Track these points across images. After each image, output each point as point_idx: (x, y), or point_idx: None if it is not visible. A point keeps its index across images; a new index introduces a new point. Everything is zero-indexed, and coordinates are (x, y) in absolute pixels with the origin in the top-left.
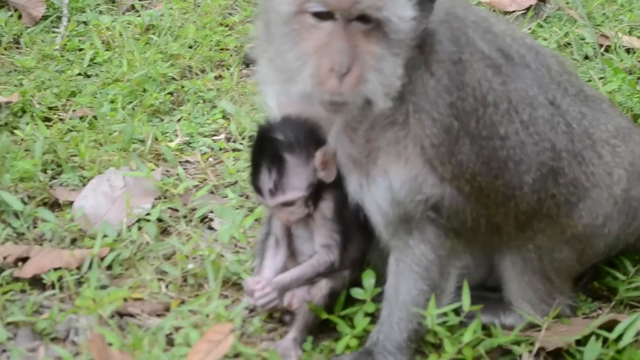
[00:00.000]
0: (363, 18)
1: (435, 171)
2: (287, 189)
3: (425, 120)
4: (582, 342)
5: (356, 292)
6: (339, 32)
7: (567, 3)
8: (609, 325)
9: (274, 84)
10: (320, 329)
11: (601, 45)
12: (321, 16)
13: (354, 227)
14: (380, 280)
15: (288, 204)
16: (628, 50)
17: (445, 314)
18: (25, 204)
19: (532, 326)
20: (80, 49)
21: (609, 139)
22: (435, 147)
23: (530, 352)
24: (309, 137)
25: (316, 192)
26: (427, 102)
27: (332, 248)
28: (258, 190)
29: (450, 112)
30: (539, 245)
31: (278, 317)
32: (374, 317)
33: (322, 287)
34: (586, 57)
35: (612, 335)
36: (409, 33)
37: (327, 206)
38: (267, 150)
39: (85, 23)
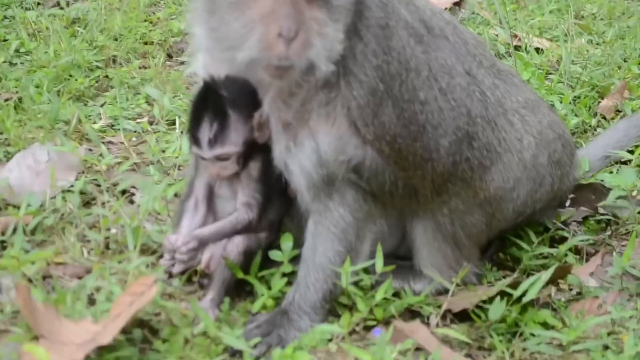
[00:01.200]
0: None
1: (359, 133)
2: (225, 142)
3: (353, 82)
4: (487, 303)
5: (274, 254)
6: None
7: (482, 5)
8: (513, 287)
9: (213, 52)
10: (237, 292)
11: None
12: None
13: (275, 191)
14: (297, 244)
15: (223, 158)
16: (537, 50)
17: (358, 274)
18: None
19: (440, 293)
20: (5, 40)
21: (519, 109)
22: (361, 109)
23: (437, 315)
24: (251, 97)
25: (248, 151)
26: (355, 65)
27: (252, 207)
28: (196, 141)
29: (376, 75)
30: (453, 209)
31: (196, 280)
32: (290, 280)
33: (238, 243)
34: (498, 55)
35: (517, 293)
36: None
37: (254, 167)
38: (211, 103)
39: (10, 18)
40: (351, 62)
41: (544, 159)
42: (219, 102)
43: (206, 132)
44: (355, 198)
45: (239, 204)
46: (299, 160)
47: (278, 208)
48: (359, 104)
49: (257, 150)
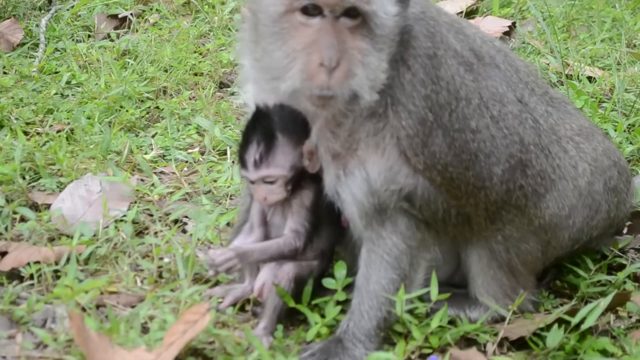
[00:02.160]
0: (350, 13)
1: (409, 162)
2: (271, 164)
3: (402, 112)
4: (544, 331)
5: (328, 282)
6: (328, 29)
7: (532, 35)
8: (571, 314)
9: (259, 83)
10: (290, 320)
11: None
12: (310, 12)
13: (326, 220)
14: (350, 272)
15: (269, 181)
16: (589, 79)
17: (413, 302)
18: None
19: (496, 321)
20: (57, 72)
21: (573, 136)
22: (410, 138)
23: (494, 342)
24: (301, 124)
25: (297, 179)
26: (403, 94)
27: (300, 235)
28: (243, 162)
29: (425, 104)
30: (508, 236)
31: (249, 309)
32: (343, 308)
33: (288, 271)
34: (550, 84)
35: (575, 320)
36: (393, 29)
37: (307, 195)
38: (260, 125)
39: (62, 50)
40: (399, 91)
41: (600, 186)
42: (268, 126)
43: (252, 152)
44: (408, 226)
45: (287, 229)
46: (350, 189)
47: (329, 237)
48: (408, 133)
49: (307, 179)
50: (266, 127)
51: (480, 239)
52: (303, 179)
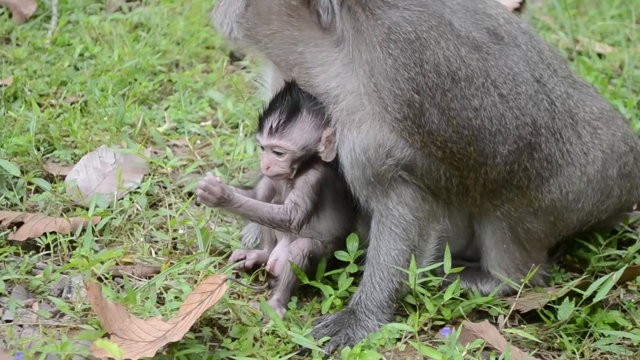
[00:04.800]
0: None
1: (407, 140)
2: (285, 136)
3: (387, 97)
4: (555, 304)
5: (340, 255)
6: None
7: (542, 10)
8: (582, 288)
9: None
10: (304, 293)
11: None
12: None
13: (339, 207)
14: (362, 245)
15: (277, 151)
16: (599, 55)
17: (425, 275)
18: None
19: (508, 294)
20: (70, 44)
21: (591, 121)
22: (400, 122)
23: (505, 315)
24: (325, 113)
25: (306, 163)
26: (387, 80)
27: (297, 208)
28: (261, 126)
29: (410, 87)
30: (507, 214)
31: (263, 280)
32: (356, 280)
33: (303, 247)
34: None
35: (586, 293)
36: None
37: (313, 174)
38: (290, 97)
39: (74, 23)
40: (382, 78)
41: (614, 171)
42: (297, 100)
43: (272, 119)
44: (413, 197)
45: (287, 199)
46: (346, 157)
47: (344, 224)
48: (396, 117)
49: (319, 163)
50: (295, 100)
51: (483, 213)
52: (315, 162)
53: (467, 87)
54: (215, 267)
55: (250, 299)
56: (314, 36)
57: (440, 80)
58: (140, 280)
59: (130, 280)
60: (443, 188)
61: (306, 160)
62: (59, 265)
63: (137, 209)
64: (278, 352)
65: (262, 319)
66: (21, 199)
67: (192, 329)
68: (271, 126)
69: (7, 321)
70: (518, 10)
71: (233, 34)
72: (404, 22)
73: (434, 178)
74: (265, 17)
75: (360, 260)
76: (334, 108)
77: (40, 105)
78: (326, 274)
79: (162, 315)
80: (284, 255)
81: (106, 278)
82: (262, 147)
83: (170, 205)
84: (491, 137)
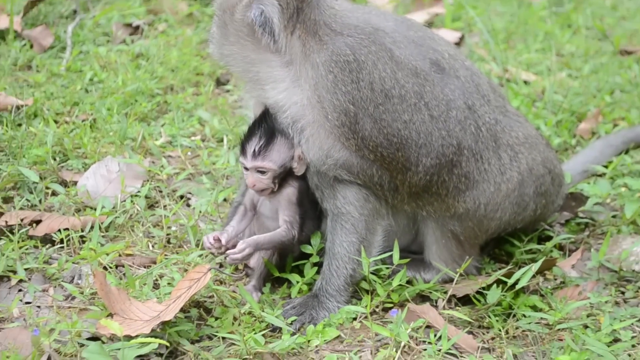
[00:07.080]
0: None
1: (344, 144)
2: (266, 158)
3: (328, 107)
4: (485, 290)
5: (305, 248)
6: None
7: (478, 45)
8: (507, 276)
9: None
10: (276, 280)
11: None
12: None
13: (310, 215)
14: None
15: (261, 171)
16: (525, 82)
17: (377, 264)
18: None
19: (446, 281)
20: (81, 70)
21: (514, 145)
22: (338, 128)
23: (444, 299)
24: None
25: (285, 176)
26: (328, 92)
27: (294, 225)
28: (244, 150)
29: (346, 99)
30: (432, 215)
31: (241, 269)
32: (319, 269)
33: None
34: None
35: (510, 281)
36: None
37: (292, 192)
38: (265, 124)
39: (85, 53)
40: (324, 91)
41: (531, 190)
42: (272, 126)
43: (253, 144)
44: (357, 198)
45: (282, 221)
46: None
47: (313, 226)
48: (335, 124)
49: (294, 178)
50: (270, 126)
51: (415, 211)
52: (291, 178)
53: (399, 104)
54: (202, 258)
55: (231, 284)
56: (267, 58)
57: (374, 96)
58: (139, 269)
59: (130, 269)
60: (377, 184)
61: (284, 175)
62: (71, 256)
63: (137, 210)
64: (254, 329)
65: (240, 302)
66: (40, 201)
67: (182, 310)
68: (254, 150)
69: (27, 303)
70: (458, 44)
71: (209, 50)
72: (345, 47)
73: (368, 175)
74: (228, 40)
75: (321, 252)
76: (281, 116)
77: (56, 122)
78: (294, 264)
79: (157, 298)
80: (258, 253)
81: (110, 267)
82: (246, 168)
83: (165, 206)
84: (417, 148)
